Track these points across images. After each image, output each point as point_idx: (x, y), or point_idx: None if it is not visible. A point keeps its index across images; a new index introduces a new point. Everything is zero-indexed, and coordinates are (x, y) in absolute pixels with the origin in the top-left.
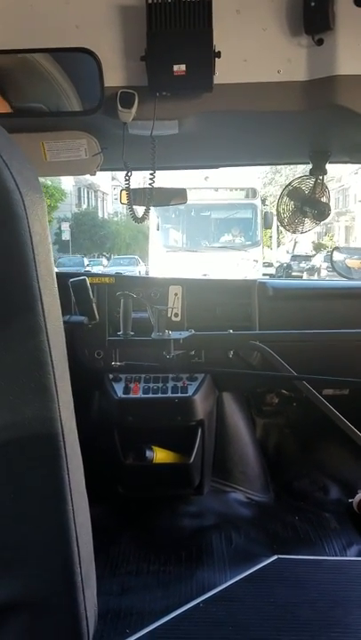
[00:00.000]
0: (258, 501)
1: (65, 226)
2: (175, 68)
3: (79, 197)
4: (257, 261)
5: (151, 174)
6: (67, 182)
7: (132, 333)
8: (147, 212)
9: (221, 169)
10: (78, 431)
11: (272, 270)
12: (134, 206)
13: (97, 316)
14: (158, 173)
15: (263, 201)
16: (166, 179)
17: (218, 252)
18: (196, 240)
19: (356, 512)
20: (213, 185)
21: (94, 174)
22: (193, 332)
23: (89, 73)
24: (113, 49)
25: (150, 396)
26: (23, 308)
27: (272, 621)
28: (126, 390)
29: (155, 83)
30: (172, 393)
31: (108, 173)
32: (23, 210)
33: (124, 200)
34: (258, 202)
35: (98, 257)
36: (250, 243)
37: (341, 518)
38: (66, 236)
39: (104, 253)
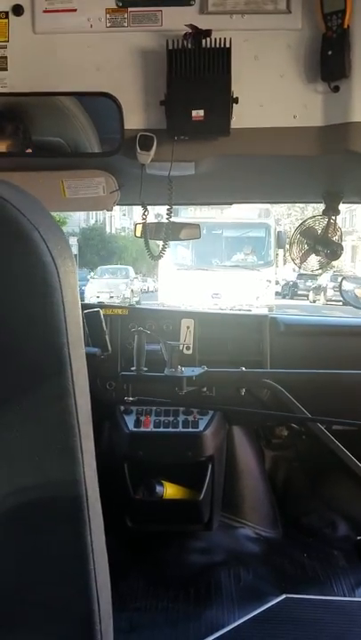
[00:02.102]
0: (267, 537)
1: (72, 240)
2: (194, 113)
3: (87, 213)
4: (270, 282)
5: (168, 209)
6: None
7: (146, 369)
8: (164, 247)
9: None
10: None
11: (278, 288)
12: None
13: (110, 348)
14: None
15: (277, 221)
16: (180, 210)
17: (230, 271)
18: (207, 258)
19: None
20: (227, 213)
21: (111, 210)
22: (205, 368)
23: (109, 115)
24: (133, 92)
25: (161, 430)
26: (53, 373)
27: None
28: (137, 424)
29: (173, 127)
30: (182, 427)
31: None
32: (58, 281)
33: (139, 233)
34: (271, 221)
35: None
36: (262, 262)
37: (350, 556)
38: (73, 250)
39: None
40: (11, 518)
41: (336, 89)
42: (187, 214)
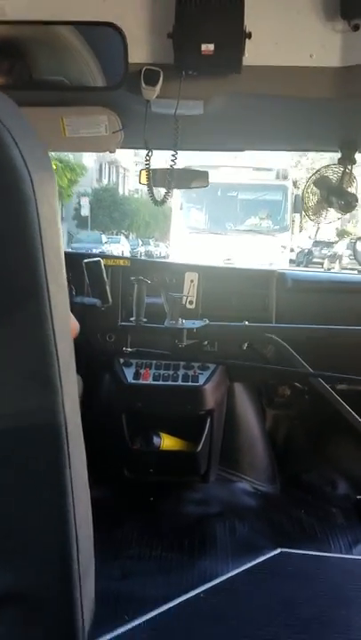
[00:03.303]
0: (264, 492)
1: (84, 201)
2: (203, 47)
3: (100, 173)
4: (285, 247)
5: (173, 155)
6: (88, 157)
7: (145, 320)
8: (167, 194)
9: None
10: (87, 413)
11: (293, 256)
12: (154, 188)
13: (110, 299)
14: (183, 152)
15: (294, 183)
16: (192, 157)
17: (243, 235)
18: (221, 222)
19: None
20: (243, 163)
21: (114, 152)
22: (207, 321)
23: (113, 48)
24: (139, 24)
25: (160, 382)
26: (28, 296)
27: (272, 616)
28: (137, 376)
29: (181, 61)
30: (182, 381)
31: (130, 151)
32: (31, 189)
33: (144, 180)
34: (289, 183)
35: (116, 234)
36: (278, 227)
37: (348, 514)
38: (85, 211)
39: (123, 231)
40: None
41: (356, 27)
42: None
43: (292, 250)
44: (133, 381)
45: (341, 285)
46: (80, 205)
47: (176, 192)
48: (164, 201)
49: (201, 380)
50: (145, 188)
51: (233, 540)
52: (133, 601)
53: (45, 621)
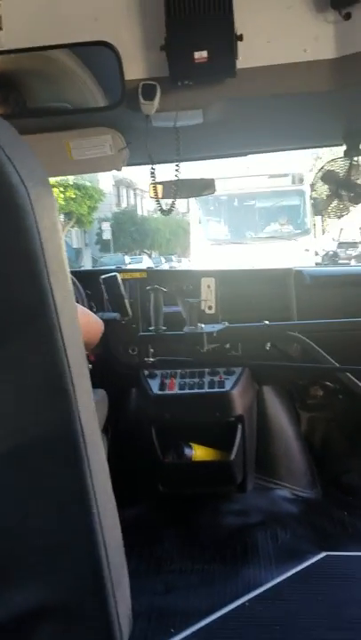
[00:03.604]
0: (304, 497)
1: (105, 225)
2: (196, 55)
3: (118, 197)
4: (308, 251)
5: (177, 166)
6: (106, 182)
7: (165, 328)
8: (173, 204)
9: (262, 156)
10: (115, 429)
11: (318, 259)
12: (162, 200)
13: (130, 312)
14: (196, 165)
15: (311, 186)
16: (204, 169)
17: (265, 242)
18: (241, 231)
19: None
20: (256, 172)
21: (120, 170)
22: (227, 324)
23: (110, 67)
24: (132, 40)
25: (187, 391)
26: (35, 309)
27: (320, 620)
28: (162, 386)
29: (176, 72)
30: (208, 388)
31: (146, 171)
32: (29, 204)
33: (152, 194)
34: (306, 187)
35: (139, 254)
36: (299, 231)
37: None
38: (107, 235)
39: (145, 250)
40: (6, 463)
41: (348, 16)
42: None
43: (316, 253)
44: (159, 392)
45: (359, 277)
46: (101, 230)
47: (193, 207)
48: (170, 210)
49: (228, 386)
50: (164, 207)
51: (276, 548)
52: (178, 614)
53: (81, 634)
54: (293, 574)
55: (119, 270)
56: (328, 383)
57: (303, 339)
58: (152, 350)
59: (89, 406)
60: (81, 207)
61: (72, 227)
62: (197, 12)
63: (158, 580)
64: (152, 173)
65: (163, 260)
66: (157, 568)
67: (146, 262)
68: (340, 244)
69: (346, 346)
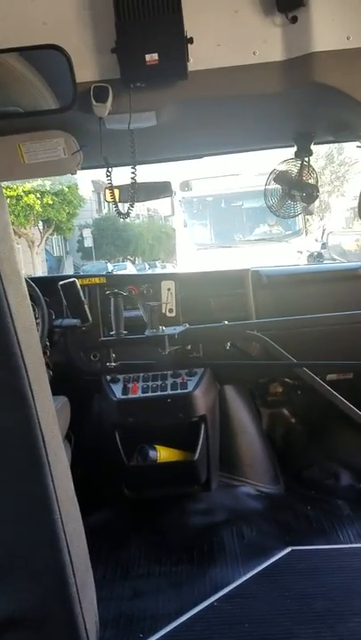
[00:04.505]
0: (268, 493)
1: (86, 232)
2: (147, 57)
3: (99, 202)
4: (301, 252)
5: (133, 169)
6: (85, 188)
7: (126, 332)
8: (131, 207)
9: (251, 154)
10: (80, 436)
11: (303, 261)
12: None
13: (90, 318)
14: (179, 165)
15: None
16: (188, 171)
17: (255, 245)
18: (229, 234)
19: None
20: (243, 171)
21: (75, 173)
22: (187, 326)
23: (61, 69)
24: (83, 43)
25: (149, 394)
26: None
27: (288, 615)
28: (125, 391)
29: (127, 74)
30: (171, 390)
31: (126, 176)
32: None
33: (109, 198)
34: None
35: (122, 261)
36: (290, 232)
37: (354, 504)
38: (88, 242)
39: (128, 257)
40: None
41: (294, 19)
42: (198, 187)
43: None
44: (122, 397)
45: (314, 275)
46: (83, 237)
47: (178, 210)
48: (128, 214)
49: (190, 387)
50: (145, 212)
51: (242, 545)
52: (147, 619)
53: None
54: (260, 571)
55: (78, 276)
56: (287, 380)
57: (261, 336)
58: (114, 355)
59: (49, 412)
60: (60, 214)
61: (51, 234)
62: (147, 14)
63: (126, 586)
64: (108, 176)
65: (147, 266)
66: (125, 573)
67: (130, 269)
68: (324, 245)
69: (302, 342)
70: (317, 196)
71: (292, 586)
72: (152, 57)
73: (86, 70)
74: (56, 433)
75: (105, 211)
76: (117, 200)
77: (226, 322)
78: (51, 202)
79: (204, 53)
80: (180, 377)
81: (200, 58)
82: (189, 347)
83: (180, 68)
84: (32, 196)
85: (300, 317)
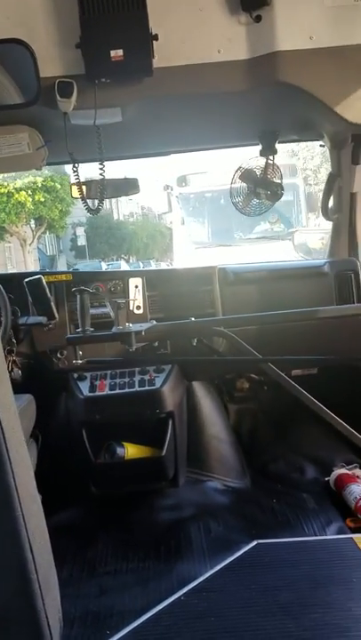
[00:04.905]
0: (235, 488)
1: (80, 231)
2: (112, 53)
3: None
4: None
5: (101, 165)
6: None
7: (92, 329)
8: (100, 203)
9: (245, 149)
10: (46, 434)
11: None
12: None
13: (56, 315)
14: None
15: (305, 179)
16: (185, 165)
17: (257, 244)
18: (229, 232)
19: (333, 490)
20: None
21: (40, 169)
22: (154, 322)
23: (25, 64)
24: (48, 38)
25: (117, 391)
26: None
27: (253, 607)
28: (92, 388)
29: (92, 70)
30: (139, 387)
31: (121, 173)
32: None
33: (75, 194)
34: (299, 181)
35: (116, 260)
36: (293, 230)
37: (319, 498)
38: (81, 241)
39: (122, 256)
40: None
41: (258, 18)
42: (195, 182)
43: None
44: (89, 394)
45: (280, 272)
46: (76, 236)
47: (176, 206)
48: (98, 210)
49: (158, 383)
50: (140, 211)
51: (209, 540)
52: (114, 615)
53: (11, 638)
54: (226, 565)
55: (43, 273)
56: (253, 375)
57: (227, 333)
58: (80, 352)
59: (10, 409)
60: (52, 212)
61: (44, 232)
62: (112, 10)
63: (93, 583)
64: (75, 172)
65: (141, 265)
66: (92, 571)
67: (124, 268)
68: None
69: (268, 338)
70: (282, 195)
71: (258, 579)
72: (117, 53)
73: (51, 65)
74: (18, 430)
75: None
76: (85, 196)
77: (193, 318)
78: (42, 199)
79: (169, 50)
80: (148, 374)
81: (165, 55)
82: (157, 343)
83: (145, 64)
84: (23, 193)
85: (266, 314)
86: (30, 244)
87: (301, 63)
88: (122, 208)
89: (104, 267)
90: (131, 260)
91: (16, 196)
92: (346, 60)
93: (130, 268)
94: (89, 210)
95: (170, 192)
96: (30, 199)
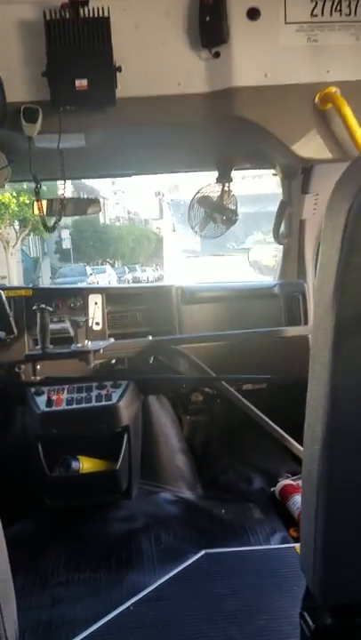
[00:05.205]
0: (186, 498)
1: (65, 234)
2: (77, 82)
3: None
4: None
5: (62, 184)
6: (66, 189)
7: (52, 346)
8: (57, 221)
9: None
10: (2, 447)
11: None
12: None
13: (15, 330)
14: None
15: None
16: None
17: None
18: (221, 242)
19: (278, 500)
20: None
21: (2, 187)
22: (113, 340)
23: None
24: (15, 64)
25: (74, 406)
26: None
27: (200, 616)
28: (49, 403)
29: (57, 97)
30: (96, 402)
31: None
32: None
33: (37, 211)
34: None
35: (102, 264)
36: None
37: (265, 507)
38: (66, 244)
39: (108, 260)
40: None
41: (217, 55)
42: (188, 190)
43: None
44: (46, 409)
45: (234, 292)
46: (61, 238)
47: (167, 213)
48: (54, 227)
49: (114, 398)
50: (126, 215)
51: (159, 550)
52: (65, 625)
53: None
54: (175, 574)
55: (3, 288)
56: (207, 390)
57: (183, 352)
58: (39, 367)
59: None
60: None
61: (28, 234)
62: (77, 42)
63: (45, 594)
64: (36, 192)
65: (127, 270)
66: (44, 582)
67: (109, 272)
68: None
69: (222, 355)
70: (236, 221)
71: (205, 587)
72: (81, 83)
73: (17, 91)
74: None
75: None
76: (44, 213)
77: (150, 337)
78: (27, 201)
79: (133, 81)
80: (105, 389)
81: (128, 85)
82: (114, 360)
83: (108, 94)
84: (7, 194)
85: (219, 333)
86: (14, 246)
87: (256, 99)
88: (108, 212)
89: (89, 270)
90: (116, 265)
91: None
92: (298, 97)
93: (115, 273)
94: (45, 227)
95: (161, 198)
96: (15, 201)
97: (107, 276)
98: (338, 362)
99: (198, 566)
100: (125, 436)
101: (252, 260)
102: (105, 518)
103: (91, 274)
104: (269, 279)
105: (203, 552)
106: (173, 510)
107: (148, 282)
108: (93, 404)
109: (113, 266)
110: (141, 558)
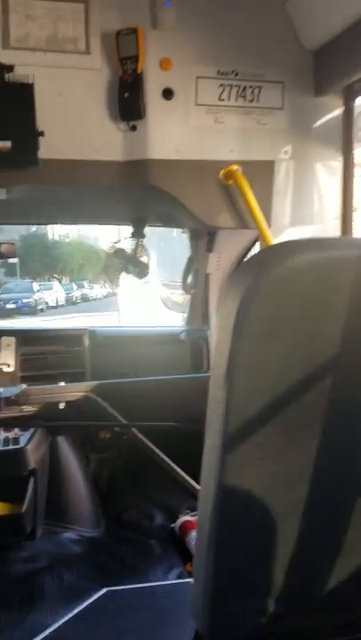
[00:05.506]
0: (89, 537)
1: None
2: (0, 143)
3: None
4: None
5: None
6: None
7: None
8: None
9: None
10: None
11: None
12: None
13: None
14: None
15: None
16: None
17: None
18: (177, 267)
19: (177, 535)
20: None
21: None
22: (24, 386)
23: None
24: None
25: None
26: None
27: None
28: None
29: None
30: (3, 446)
31: None
32: None
33: None
34: None
35: (49, 279)
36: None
37: (165, 544)
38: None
39: (55, 275)
40: None
41: (134, 128)
42: None
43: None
44: None
45: (144, 337)
46: None
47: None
48: None
49: (22, 442)
50: (75, 231)
51: (61, 589)
52: None
53: None
54: (77, 613)
55: None
56: (115, 428)
57: (93, 398)
58: None
59: None
60: None
61: None
62: (3, 105)
63: None
64: None
65: (74, 286)
66: None
67: (56, 288)
68: None
69: (134, 399)
70: (148, 273)
71: (105, 626)
72: (5, 144)
73: None
74: None
75: (34, 227)
76: None
77: (62, 383)
78: None
79: (55, 145)
80: (13, 432)
81: (51, 148)
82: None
83: (30, 156)
84: None
85: (131, 380)
86: None
87: (168, 171)
88: (57, 228)
89: (35, 287)
90: (63, 281)
91: None
92: (205, 172)
93: (63, 289)
94: None
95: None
96: None
97: (54, 293)
98: (230, 405)
99: (99, 604)
100: (32, 480)
101: (163, 297)
102: (7, 559)
103: (38, 290)
104: (178, 315)
105: (104, 590)
106: (77, 549)
107: (96, 299)
108: (1, 447)
109: (60, 282)
110: (44, 597)
